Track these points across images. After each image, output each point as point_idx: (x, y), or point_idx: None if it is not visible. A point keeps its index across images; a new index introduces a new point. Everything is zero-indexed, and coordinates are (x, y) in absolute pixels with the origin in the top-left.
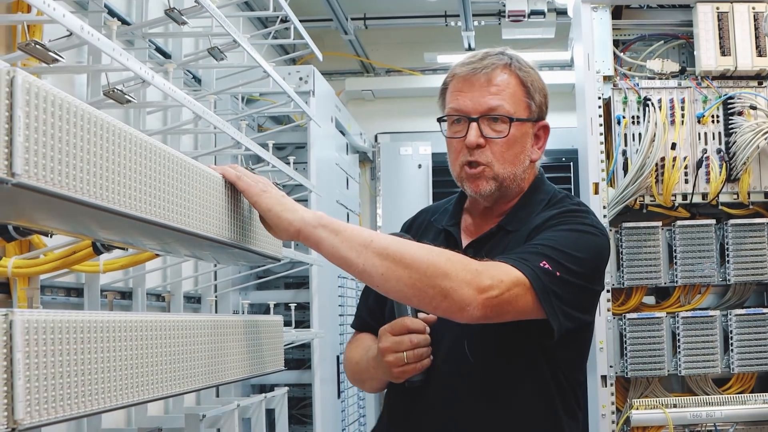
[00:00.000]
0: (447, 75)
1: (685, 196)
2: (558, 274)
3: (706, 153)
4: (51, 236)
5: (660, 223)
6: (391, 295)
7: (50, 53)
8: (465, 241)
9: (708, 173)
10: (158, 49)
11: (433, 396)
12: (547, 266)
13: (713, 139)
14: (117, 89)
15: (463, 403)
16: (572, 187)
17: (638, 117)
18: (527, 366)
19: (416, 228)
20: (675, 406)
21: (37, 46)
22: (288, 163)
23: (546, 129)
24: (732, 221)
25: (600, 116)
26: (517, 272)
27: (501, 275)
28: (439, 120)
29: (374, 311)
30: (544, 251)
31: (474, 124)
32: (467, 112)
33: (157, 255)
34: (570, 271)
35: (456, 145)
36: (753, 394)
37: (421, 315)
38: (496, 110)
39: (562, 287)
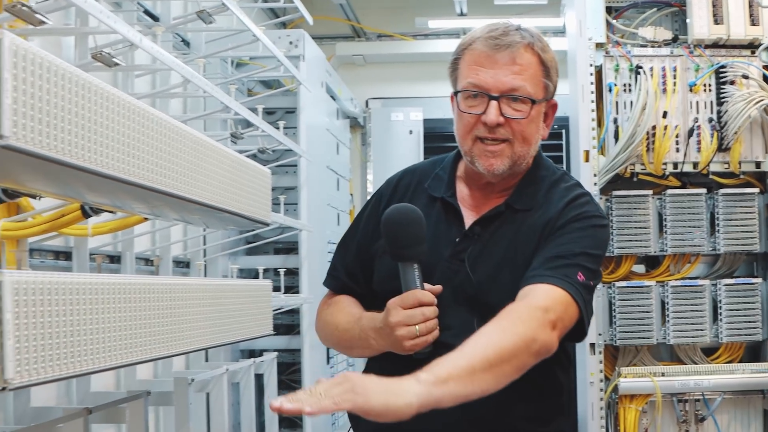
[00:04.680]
0: (460, 45)
1: (675, 165)
2: (591, 283)
3: (697, 122)
4: (39, 199)
5: (650, 192)
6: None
7: (37, 15)
8: (467, 216)
9: (699, 142)
10: (146, 12)
11: None
12: (582, 278)
13: (705, 108)
14: (105, 52)
15: None
16: (564, 154)
17: (630, 85)
18: None
19: (402, 189)
20: (663, 374)
21: (24, 7)
22: (278, 128)
23: (554, 107)
24: (722, 191)
25: (592, 84)
26: (565, 295)
27: (558, 305)
28: (454, 93)
29: (354, 273)
30: (579, 261)
31: (494, 103)
32: (488, 89)
33: (146, 219)
34: (595, 273)
35: (470, 120)
36: (741, 364)
37: (427, 286)
38: (518, 91)
39: (592, 292)
